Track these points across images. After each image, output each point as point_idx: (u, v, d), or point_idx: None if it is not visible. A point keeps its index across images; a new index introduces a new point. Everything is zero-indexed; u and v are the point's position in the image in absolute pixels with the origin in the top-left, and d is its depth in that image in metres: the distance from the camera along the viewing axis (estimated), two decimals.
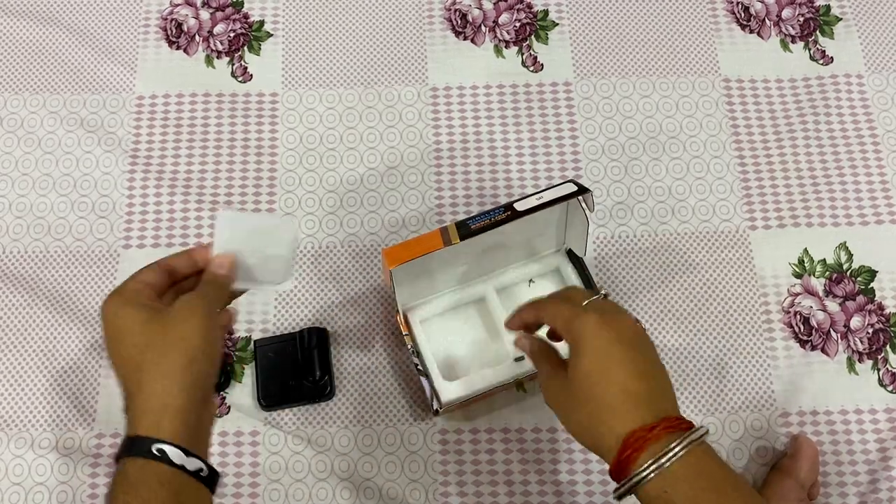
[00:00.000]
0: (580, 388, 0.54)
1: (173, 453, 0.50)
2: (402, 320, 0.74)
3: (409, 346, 0.74)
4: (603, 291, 0.62)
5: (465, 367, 0.75)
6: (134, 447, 0.50)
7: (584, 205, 0.69)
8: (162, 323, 0.54)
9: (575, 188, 0.67)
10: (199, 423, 0.53)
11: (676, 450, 0.49)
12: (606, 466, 0.73)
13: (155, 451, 0.50)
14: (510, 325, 0.63)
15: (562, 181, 0.68)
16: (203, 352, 0.54)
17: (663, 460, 0.49)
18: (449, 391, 0.72)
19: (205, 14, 0.91)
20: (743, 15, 0.91)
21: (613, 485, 0.72)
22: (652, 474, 0.50)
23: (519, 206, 0.66)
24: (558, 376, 0.57)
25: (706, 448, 0.51)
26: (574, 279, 0.77)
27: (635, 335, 0.56)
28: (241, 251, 0.60)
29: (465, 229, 0.66)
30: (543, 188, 0.68)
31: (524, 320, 0.62)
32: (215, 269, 0.58)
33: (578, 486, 0.73)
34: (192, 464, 0.51)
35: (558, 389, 0.57)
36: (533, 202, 0.66)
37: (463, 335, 0.76)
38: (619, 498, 0.53)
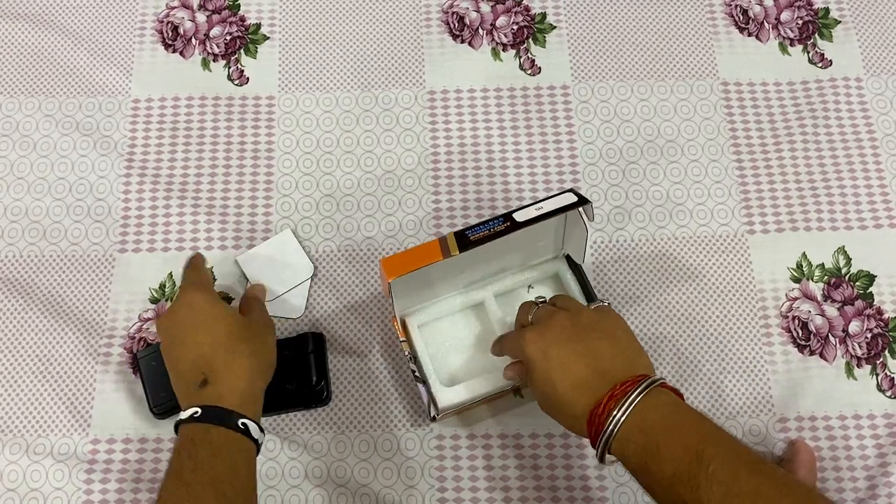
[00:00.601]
0: (544, 397, 0.62)
1: (253, 429, 0.63)
2: (400, 326, 0.74)
3: (406, 353, 0.73)
4: (541, 298, 0.69)
5: (463, 372, 0.74)
6: (225, 418, 0.62)
7: (584, 216, 0.69)
8: (250, 328, 0.69)
9: (575, 198, 0.66)
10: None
11: (620, 413, 0.56)
12: (604, 471, 0.73)
13: (240, 425, 0.62)
14: (495, 356, 0.72)
15: (561, 191, 0.68)
16: (273, 363, 0.70)
17: (611, 424, 0.57)
18: (446, 397, 0.71)
19: (201, 17, 0.91)
20: (741, 18, 0.91)
21: (609, 491, 0.73)
22: (607, 440, 0.57)
23: (518, 217, 0.66)
24: (533, 389, 0.65)
25: (656, 399, 0.57)
26: (573, 285, 0.77)
27: (566, 330, 0.62)
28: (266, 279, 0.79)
29: (464, 240, 0.65)
30: (543, 198, 0.67)
31: (499, 355, 0.71)
32: (257, 293, 0.76)
33: (576, 491, 0.73)
34: (261, 439, 0.64)
35: (537, 395, 0.64)
36: (532, 213, 0.66)
37: (461, 341, 0.76)
38: (600, 460, 0.59)
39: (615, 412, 0.57)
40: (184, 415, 0.63)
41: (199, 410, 0.62)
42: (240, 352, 0.66)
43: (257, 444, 0.64)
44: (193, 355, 0.65)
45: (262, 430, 0.64)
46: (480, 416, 0.75)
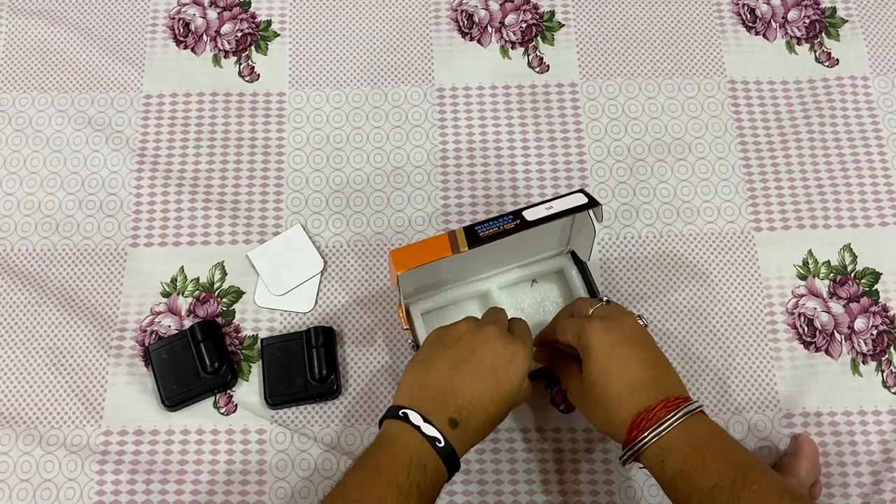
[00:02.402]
0: (593, 388, 0.63)
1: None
2: (404, 314, 0.75)
3: (409, 340, 0.74)
4: (605, 298, 0.69)
5: None
6: (451, 464, 0.62)
7: (593, 218, 0.70)
8: (515, 396, 0.66)
9: (585, 200, 0.67)
10: None
11: (671, 421, 0.59)
12: (610, 465, 0.74)
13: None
14: (538, 347, 0.72)
15: (571, 191, 0.68)
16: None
17: (661, 429, 0.59)
18: None
19: (212, 14, 0.92)
20: (749, 17, 0.91)
21: (615, 485, 0.73)
22: (650, 442, 0.59)
23: (528, 216, 0.66)
24: (576, 380, 0.66)
25: (702, 420, 0.61)
26: (577, 281, 0.77)
27: (635, 333, 0.64)
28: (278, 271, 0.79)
29: (473, 236, 0.66)
30: (553, 197, 0.68)
31: (543, 339, 0.71)
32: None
33: (583, 485, 0.73)
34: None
35: (577, 391, 0.66)
36: (542, 212, 0.66)
37: None
38: (624, 462, 0.62)
39: (667, 418, 0.59)
40: (427, 429, 0.61)
41: (443, 441, 0.61)
42: (491, 416, 0.64)
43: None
44: (465, 391, 0.63)
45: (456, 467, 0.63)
46: None
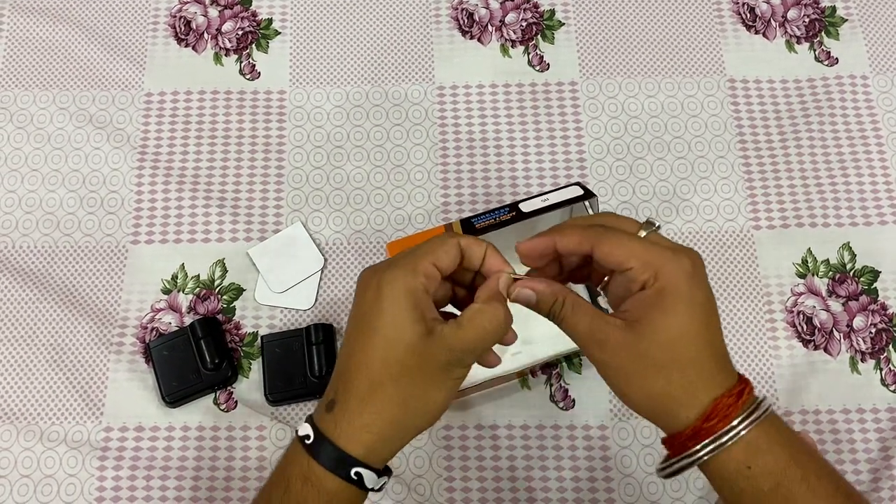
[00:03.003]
0: (664, 350, 0.46)
1: (369, 478, 0.48)
2: None
3: None
4: (657, 222, 0.51)
5: None
6: (338, 466, 0.48)
7: (589, 210, 0.70)
8: (426, 363, 0.48)
9: (581, 192, 0.67)
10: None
11: (756, 416, 0.45)
12: (609, 462, 0.74)
13: (353, 475, 0.48)
14: (527, 252, 0.50)
15: (568, 183, 0.69)
16: (432, 420, 0.50)
17: (740, 428, 0.45)
18: None
19: (213, 12, 0.92)
20: (748, 16, 0.91)
21: (615, 482, 0.73)
22: (739, 437, 0.45)
23: (524, 208, 0.67)
24: (619, 332, 0.47)
25: (777, 416, 0.47)
26: None
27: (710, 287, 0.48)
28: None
29: (470, 228, 0.66)
30: (549, 190, 0.68)
31: (564, 246, 0.49)
32: (515, 297, 0.50)
33: (582, 482, 0.74)
34: (377, 484, 0.50)
35: (623, 347, 0.47)
36: (538, 204, 0.67)
37: None
38: (676, 472, 0.47)
39: (759, 406, 0.46)
40: (300, 429, 0.50)
41: (312, 435, 0.48)
42: (387, 393, 0.48)
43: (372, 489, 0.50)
44: (340, 360, 0.50)
45: (383, 472, 0.50)
46: (487, 408, 0.76)
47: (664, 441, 0.48)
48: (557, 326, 0.50)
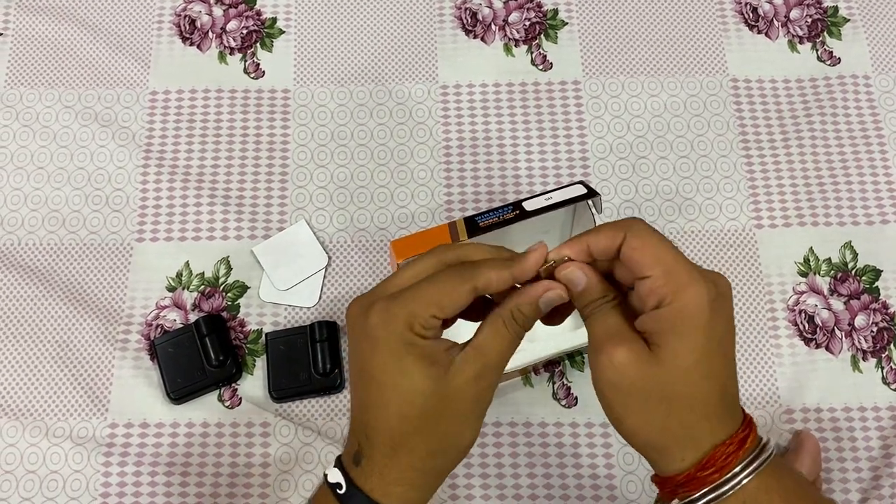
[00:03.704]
0: (673, 380, 0.42)
1: None
2: None
3: None
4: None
5: None
6: None
7: (592, 209, 0.70)
8: (452, 395, 0.43)
9: (584, 190, 0.68)
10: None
11: (756, 465, 0.42)
12: (612, 459, 0.74)
13: None
14: (573, 249, 0.45)
15: (571, 182, 0.69)
16: (461, 454, 0.46)
17: (741, 477, 0.42)
18: None
19: (218, 11, 0.92)
20: (751, 16, 0.92)
21: (617, 479, 0.74)
22: (729, 493, 0.42)
23: (528, 206, 0.67)
24: (627, 352, 0.43)
25: (779, 460, 0.44)
26: None
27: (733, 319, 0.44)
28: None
29: (474, 226, 0.67)
30: (553, 188, 0.69)
31: (596, 244, 0.45)
32: (540, 304, 0.45)
33: (584, 479, 0.74)
34: None
35: (631, 371, 0.43)
36: (542, 202, 0.67)
37: (466, 325, 0.77)
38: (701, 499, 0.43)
39: (757, 454, 0.43)
40: (330, 474, 0.46)
41: (344, 485, 0.45)
42: (413, 447, 0.44)
43: None
44: (354, 411, 0.46)
45: None
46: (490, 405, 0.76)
47: (654, 479, 0.46)
48: (583, 319, 0.46)
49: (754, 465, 0.42)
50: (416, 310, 0.43)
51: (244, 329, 0.79)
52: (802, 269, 0.81)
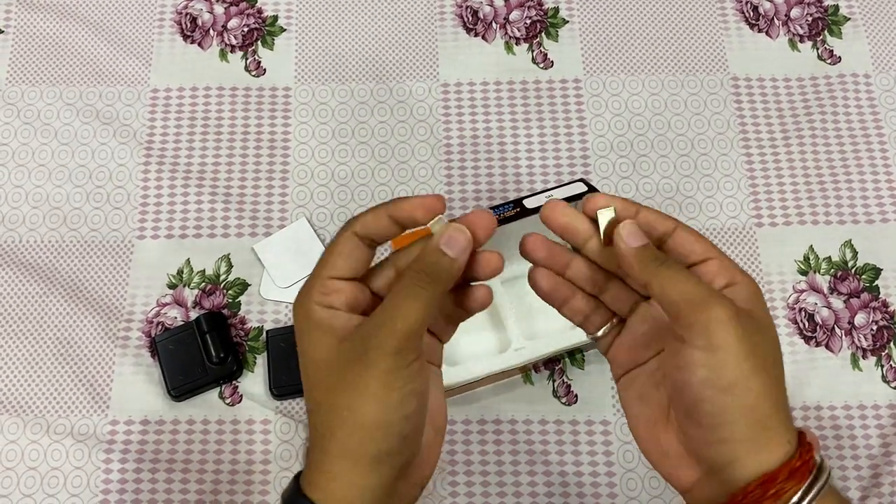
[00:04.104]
0: (740, 380, 0.40)
1: None
2: None
3: None
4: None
5: (466, 352, 0.75)
6: None
7: None
8: (356, 360, 0.40)
9: (585, 188, 0.68)
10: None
11: (815, 491, 0.39)
12: (612, 457, 0.74)
13: None
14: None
15: (572, 180, 0.69)
16: (401, 425, 0.41)
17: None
18: (448, 376, 0.72)
19: (219, 9, 0.92)
20: (752, 14, 0.92)
21: (617, 477, 0.74)
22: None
23: (528, 203, 0.67)
24: (680, 356, 0.40)
25: (833, 486, 0.41)
26: None
27: (776, 338, 0.43)
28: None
29: None
30: (553, 186, 0.69)
31: (654, 227, 0.43)
32: (441, 247, 0.42)
33: (585, 477, 0.74)
34: None
35: (675, 377, 0.40)
36: (542, 200, 0.67)
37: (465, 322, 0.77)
38: None
39: (818, 482, 0.40)
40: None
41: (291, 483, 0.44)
42: (340, 409, 0.41)
43: None
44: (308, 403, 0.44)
45: None
46: (489, 402, 0.77)
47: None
48: (642, 281, 0.41)
49: (813, 491, 0.39)
50: (313, 281, 0.43)
51: (245, 326, 0.79)
52: (802, 267, 0.81)
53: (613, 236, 0.42)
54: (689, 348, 0.40)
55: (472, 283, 0.45)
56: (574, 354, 0.78)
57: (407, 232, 0.44)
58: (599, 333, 0.47)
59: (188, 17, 0.92)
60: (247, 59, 0.90)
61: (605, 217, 0.43)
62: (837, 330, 0.79)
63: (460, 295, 0.46)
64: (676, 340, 0.41)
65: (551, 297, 0.46)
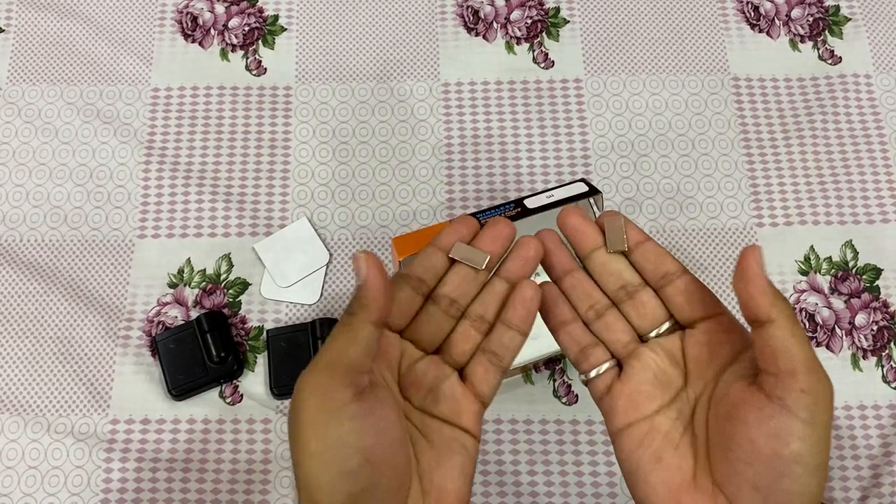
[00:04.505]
0: (793, 471, 0.37)
1: None
2: None
3: None
4: None
5: None
6: None
7: (594, 207, 0.70)
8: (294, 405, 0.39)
9: (586, 188, 0.68)
10: None
11: None
12: (610, 458, 0.74)
13: None
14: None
15: (573, 180, 0.69)
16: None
17: None
18: None
19: (220, 8, 0.92)
20: (752, 14, 0.92)
21: (617, 476, 0.74)
22: None
23: (529, 204, 0.67)
24: (756, 419, 0.37)
25: None
26: None
27: None
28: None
29: None
30: (554, 186, 0.69)
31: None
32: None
33: (585, 476, 0.74)
34: None
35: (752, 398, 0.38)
36: (543, 200, 0.67)
37: None
38: None
39: None
40: None
41: None
42: (293, 460, 0.40)
43: None
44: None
45: None
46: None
47: None
48: (763, 315, 0.37)
49: None
50: (336, 368, 0.41)
51: (245, 326, 0.79)
52: (803, 267, 0.81)
53: (743, 252, 0.38)
54: (786, 416, 0.36)
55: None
56: None
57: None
58: (592, 374, 0.44)
59: (189, 16, 0.92)
60: (247, 58, 0.90)
61: (613, 223, 0.43)
62: (838, 330, 0.79)
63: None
64: (750, 406, 0.37)
65: (551, 310, 0.46)
